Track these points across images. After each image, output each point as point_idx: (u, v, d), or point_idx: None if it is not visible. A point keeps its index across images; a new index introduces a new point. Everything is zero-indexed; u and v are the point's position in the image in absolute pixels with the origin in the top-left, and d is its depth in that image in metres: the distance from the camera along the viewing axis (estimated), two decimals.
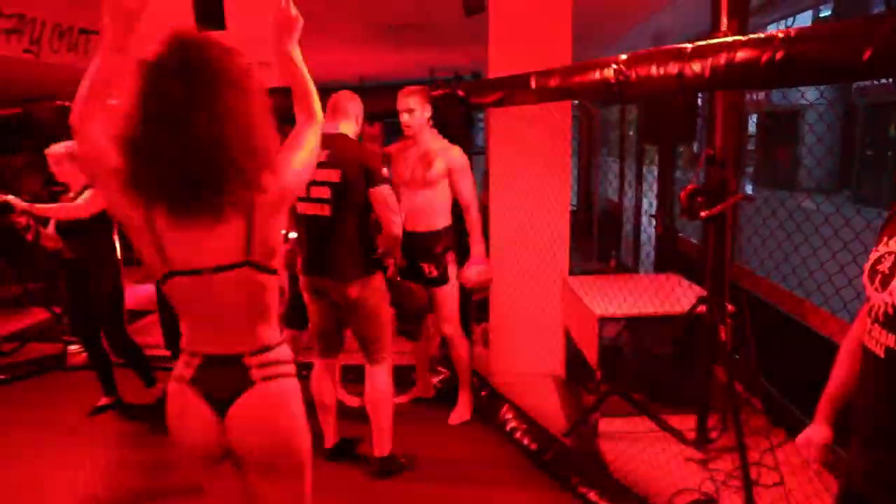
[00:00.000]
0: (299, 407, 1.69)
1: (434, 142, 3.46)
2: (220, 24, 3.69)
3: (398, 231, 2.97)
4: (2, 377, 4.50)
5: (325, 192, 2.93)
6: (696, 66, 2.06)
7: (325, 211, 2.94)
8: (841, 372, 1.56)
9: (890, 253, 1.32)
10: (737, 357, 3.23)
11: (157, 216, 1.50)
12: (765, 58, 1.82)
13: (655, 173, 5.37)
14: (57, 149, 3.67)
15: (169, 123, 1.44)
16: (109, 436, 3.74)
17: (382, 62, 9.62)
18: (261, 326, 1.64)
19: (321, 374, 3.26)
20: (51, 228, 3.74)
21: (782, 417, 3.31)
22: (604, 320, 3.37)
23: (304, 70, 1.70)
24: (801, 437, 1.63)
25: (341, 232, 2.96)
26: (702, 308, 3.04)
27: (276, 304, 1.69)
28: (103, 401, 3.98)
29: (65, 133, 4.41)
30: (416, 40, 7.70)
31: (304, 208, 3.00)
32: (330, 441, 3.35)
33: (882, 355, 1.29)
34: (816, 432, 1.59)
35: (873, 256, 1.37)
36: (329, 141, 2.99)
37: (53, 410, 4.04)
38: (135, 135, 1.46)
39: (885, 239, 1.36)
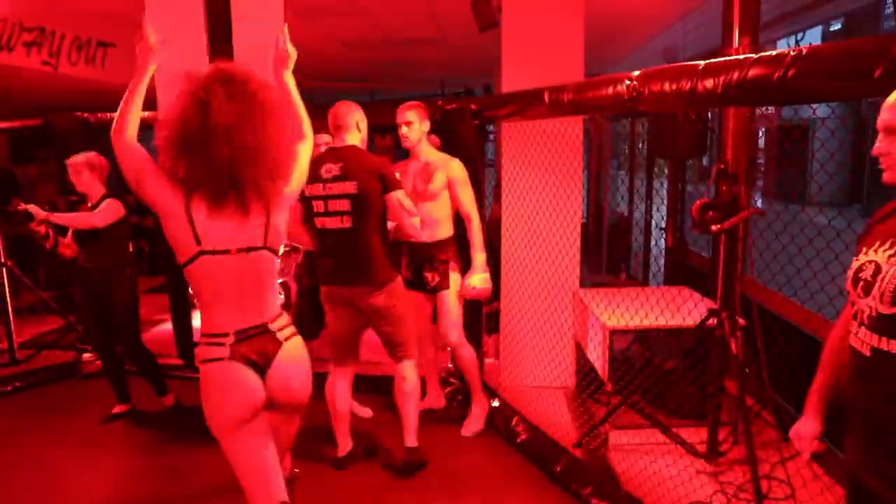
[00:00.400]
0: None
1: (433, 154, 3.56)
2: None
3: (417, 234, 3.12)
4: (17, 385, 4.55)
5: (344, 205, 3.00)
6: (709, 83, 2.09)
7: (346, 223, 3.02)
8: (826, 367, 1.70)
9: (870, 262, 1.44)
10: (747, 370, 3.24)
11: (196, 205, 1.87)
12: (777, 75, 1.85)
13: (666, 186, 5.41)
14: (77, 159, 3.73)
15: (222, 134, 1.81)
16: (123, 444, 3.78)
17: (393, 76, 9.71)
18: (272, 298, 2.04)
19: (336, 382, 3.32)
20: (68, 237, 3.80)
21: None
22: (614, 332, 3.39)
23: (297, 95, 2.16)
24: (792, 431, 1.74)
25: (363, 241, 3.04)
26: (712, 321, 3.06)
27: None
28: (117, 409, 4.01)
29: (83, 143, 4.57)
30: (429, 55, 7.77)
31: (323, 223, 3.08)
32: (342, 449, 3.39)
33: (868, 354, 1.43)
34: (806, 425, 1.72)
35: (854, 265, 1.50)
36: (340, 154, 3.05)
37: (67, 418, 4.08)
38: (191, 141, 1.82)
39: (865, 249, 1.49)
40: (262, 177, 1.88)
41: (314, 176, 3.01)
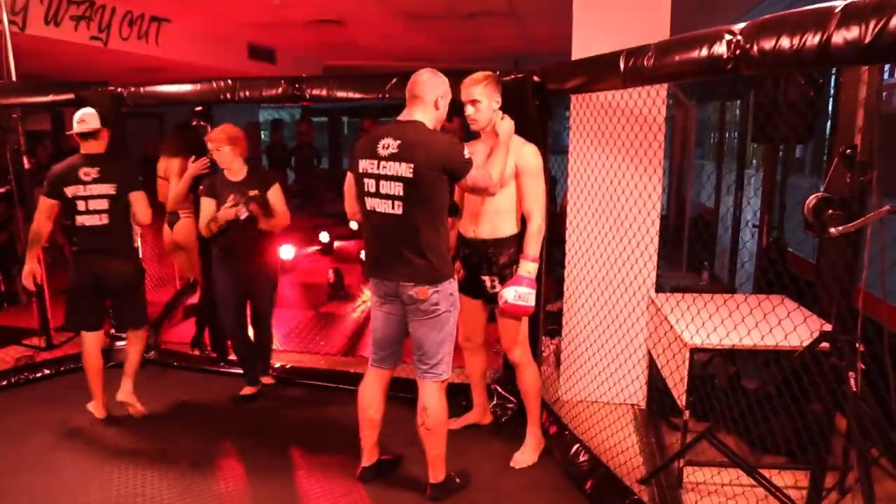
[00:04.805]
0: None
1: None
2: None
3: (492, 185, 2.74)
4: (46, 372, 4.35)
5: (397, 188, 2.55)
6: (851, 33, 1.51)
7: (397, 208, 2.57)
8: None
9: None
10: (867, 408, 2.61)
11: None
12: None
13: (760, 178, 4.73)
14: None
15: None
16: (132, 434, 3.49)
17: (463, 52, 9.22)
18: None
19: (372, 385, 2.92)
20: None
21: None
22: (696, 351, 2.81)
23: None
24: None
25: (415, 231, 2.59)
26: (824, 345, 2.45)
27: None
28: (249, 390, 4.02)
29: (115, 119, 4.30)
30: (498, 27, 7.26)
31: (373, 204, 2.64)
32: (369, 459, 3.01)
33: None
34: None
35: None
36: (400, 130, 2.59)
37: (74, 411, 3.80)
38: None
39: None
40: None
41: (369, 151, 2.60)
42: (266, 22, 7.23)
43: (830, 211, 2.25)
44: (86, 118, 3.49)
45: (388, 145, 2.57)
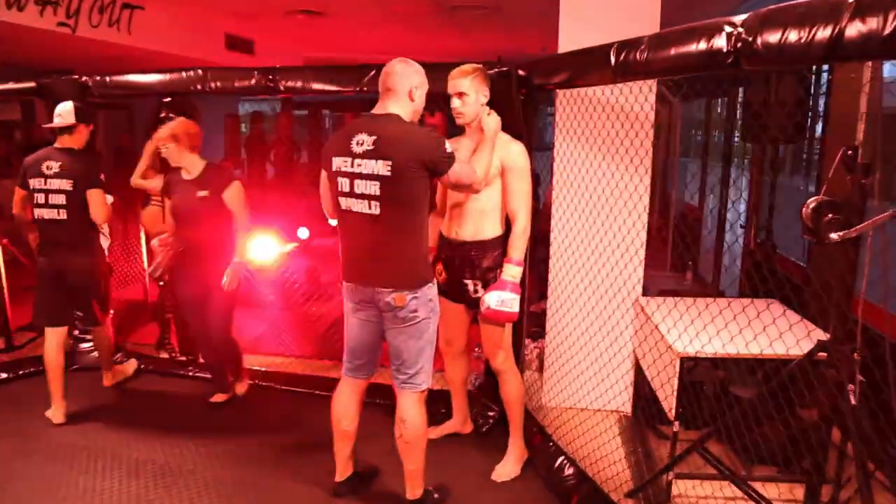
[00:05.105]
0: None
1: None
2: None
3: (476, 181, 2.60)
4: (4, 375, 4.12)
5: (374, 187, 2.38)
6: (868, 24, 1.38)
7: (374, 209, 2.41)
8: None
9: None
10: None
11: None
12: None
13: (746, 177, 4.64)
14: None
15: None
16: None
17: (446, 48, 9.06)
18: None
19: (346, 395, 2.76)
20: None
21: None
22: (688, 361, 2.69)
23: None
24: None
25: (393, 233, 2.43)
26: (821, 355, 2.34)
27: None
28: (221, 397, 3.84)
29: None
30: (483, 23, 7.12)
31: (348, 204, 2.47)
32: (343, 473, 2.86)
33: None
34: None
35: None
36: (375, 124, 2.42)
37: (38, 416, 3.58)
38: None
39: None
40: None
41: (342, 147, 2.43)
42: (244, 11, 7.03)
43: (830, 215, 2.14)
44: (62, 113, 3.48)
45: (363, 141, 2.40)
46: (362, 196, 2.42)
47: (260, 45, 8.74)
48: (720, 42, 1.82)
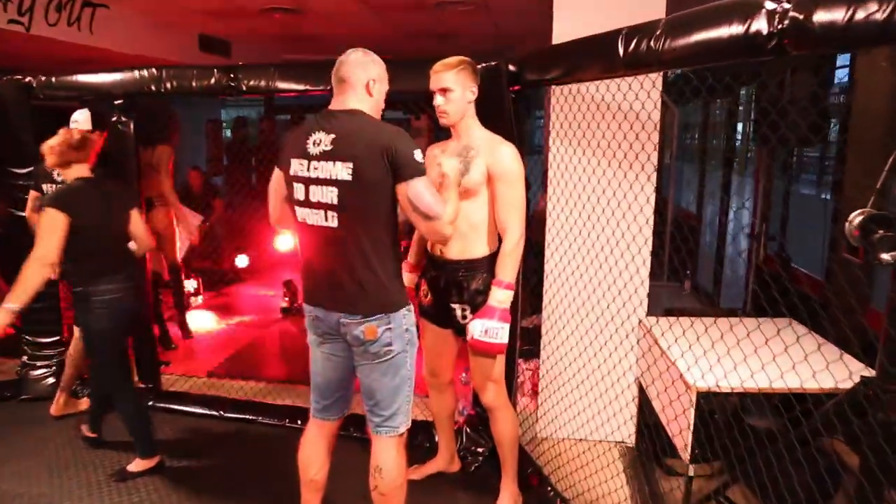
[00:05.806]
0: None
1: (478, 134, 2.48)
2: None
3: (443, 234, 2.17)
4: None
5: (330, 195, 2.02)
6: None
7: (331, 220, 2.04)
8: None
9: None
10: None
11: None
12: None
13: (748, 182, 4.34)
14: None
15: None
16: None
17: (430, 47, 8.72)
18: None
19: (314, 440, 2.38)
20: None
21: None
22: (705, 396, 2.35)
23: None
24: None
25: (355, 248, 2.05)
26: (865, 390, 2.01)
27: None
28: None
29: (25, 113, 3.74)
30: (470, 22, 6.79)
31: (303, 215, 2.11)
32: None
33: None
34: None
35: None
36: (332, 121, 2.05)
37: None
38: None
39: None
40: None
41: (298, 149, 2.07)
42: (218, 10, 6.65)
43: (881, 231, 1.81)
44: (79, 120, 3.51)
45: (320, 141, 2.04)
46: (318, 205, 2.05)
47: (237, 46, 8.35)
48: (759, 24, 1.48)
